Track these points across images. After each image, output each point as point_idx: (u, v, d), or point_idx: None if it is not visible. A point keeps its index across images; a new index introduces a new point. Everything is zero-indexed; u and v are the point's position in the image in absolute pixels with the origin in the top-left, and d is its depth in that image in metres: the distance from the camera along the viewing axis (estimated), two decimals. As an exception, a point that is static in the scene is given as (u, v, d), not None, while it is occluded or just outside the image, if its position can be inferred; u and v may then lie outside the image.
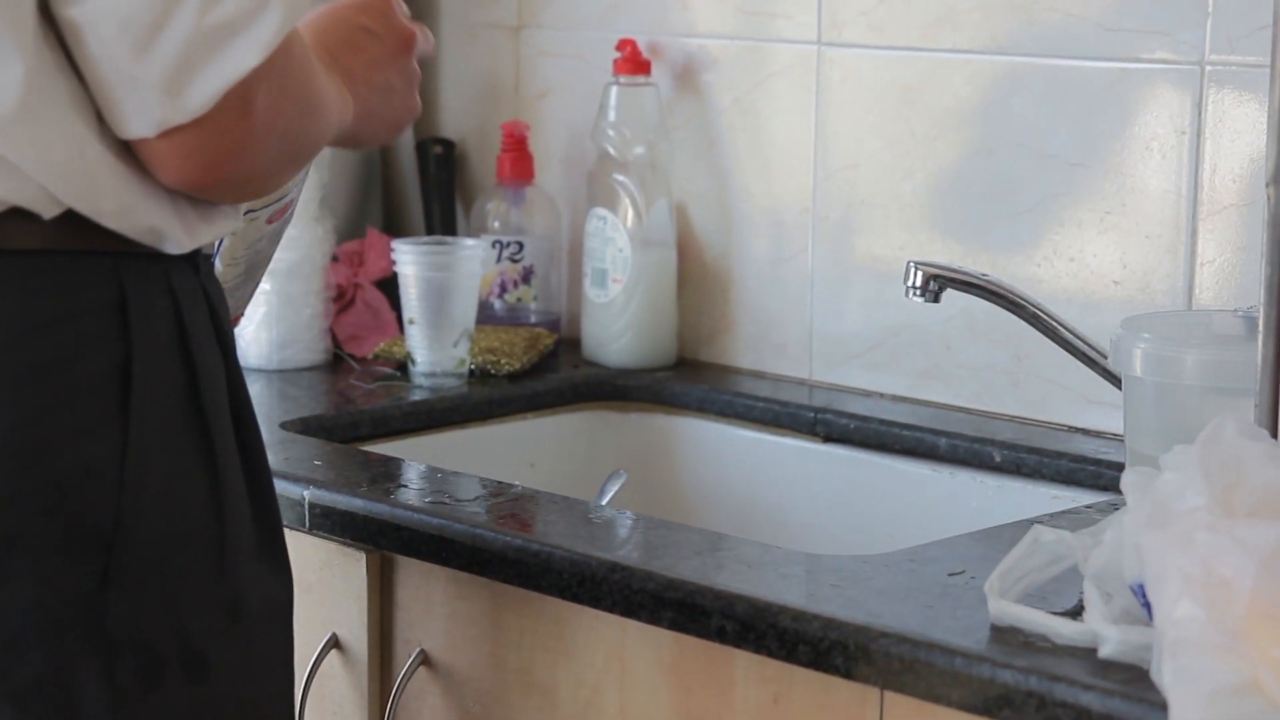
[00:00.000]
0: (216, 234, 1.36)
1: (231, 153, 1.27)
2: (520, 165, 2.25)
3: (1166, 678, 1.18)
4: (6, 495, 1.26)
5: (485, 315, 2.20)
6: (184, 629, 1.32)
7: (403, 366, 2.12)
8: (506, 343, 2.14)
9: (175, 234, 1.31)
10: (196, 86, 1.23)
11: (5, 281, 1.27)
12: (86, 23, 1.23)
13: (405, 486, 1.69)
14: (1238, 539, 1.18)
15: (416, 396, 2.05)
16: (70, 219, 1.27)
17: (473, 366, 2.11)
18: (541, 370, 2.16)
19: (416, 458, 1.85)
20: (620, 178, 2.15)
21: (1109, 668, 1.26)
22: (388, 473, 1.73)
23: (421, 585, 1.62)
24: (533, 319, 2.25)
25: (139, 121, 1.25)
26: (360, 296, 2.25)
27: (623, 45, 2.16)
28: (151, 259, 1.31)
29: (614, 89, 2.16)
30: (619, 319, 2.17)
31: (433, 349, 2.08)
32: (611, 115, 2.16)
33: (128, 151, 1.27)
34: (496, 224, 2.26)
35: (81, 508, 1.28)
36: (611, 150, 2.15)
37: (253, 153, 1.28)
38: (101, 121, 1.26)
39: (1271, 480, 1.23)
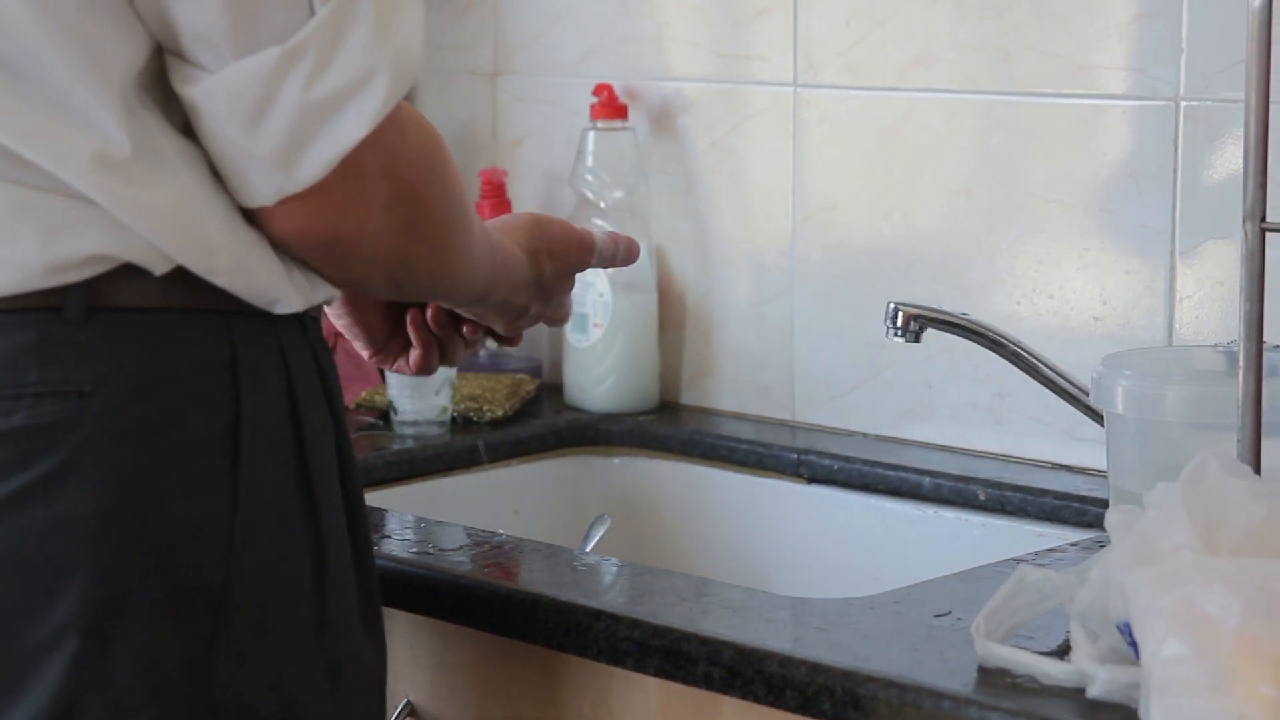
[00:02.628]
0: (326, 296, 1.36)
1: (340, 214, 1.28)
2: (499, 212, 2.25)
3: (1154, 717, 1.18)
4: (118, 553, 1.26)
5: (467, 362, 2.19)
6: (287, 694, 1.31)
7: (385, 415, 2.12)
8: (488, 389, 2.14)
9: (287, 294, 1.31)
10: (309, 158, 1.25)
11: (117, 339, 1.27)
12: (201, 101, 1.25)
13: (389, 537, 1.69)
14: (1223, 577, 1.18)
15: (399, 445, 2.04)
16: (182, 277, 1.28)
17: (455, 414, 2.11)
18: (524, 416, 2.15)
19: (400, 507, 1.84)
20: (599, 222, 2.15)
21: (1097, 708, 1.26)
22: (372, 523, 1.73)
23: (407, 636, 1.62)
24: (514, 365, 2.25)
25: (258, 192, 1.27)
26: (342, 345, 2.24)
27: (599, 90, 2.16)
28: (263, 319, 1.32)
29: (591, 134, 2.16)
30: (601, 363, 2.17)
31: (414, 397, 2.08)
32: (589, 160, 2.16)
33: (241, 212, 1.29)
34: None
35: (191, 568, 1.27)
36: (590, 195, 2.15)
37: (361, 216, 1.29)
38: (215, 180, 1.28)
39: (1255, 517, 1.23)
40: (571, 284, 1.60)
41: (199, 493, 1.28)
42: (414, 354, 1.55)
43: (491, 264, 1.47)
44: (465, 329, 1.56)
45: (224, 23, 1.24)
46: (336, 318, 1.55)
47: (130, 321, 1.28)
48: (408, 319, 1.54)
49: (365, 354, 1.57)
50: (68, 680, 1.25)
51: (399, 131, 1.29)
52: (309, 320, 1.36)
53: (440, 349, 1.56)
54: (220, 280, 1.28)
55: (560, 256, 1.56)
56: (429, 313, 1.53)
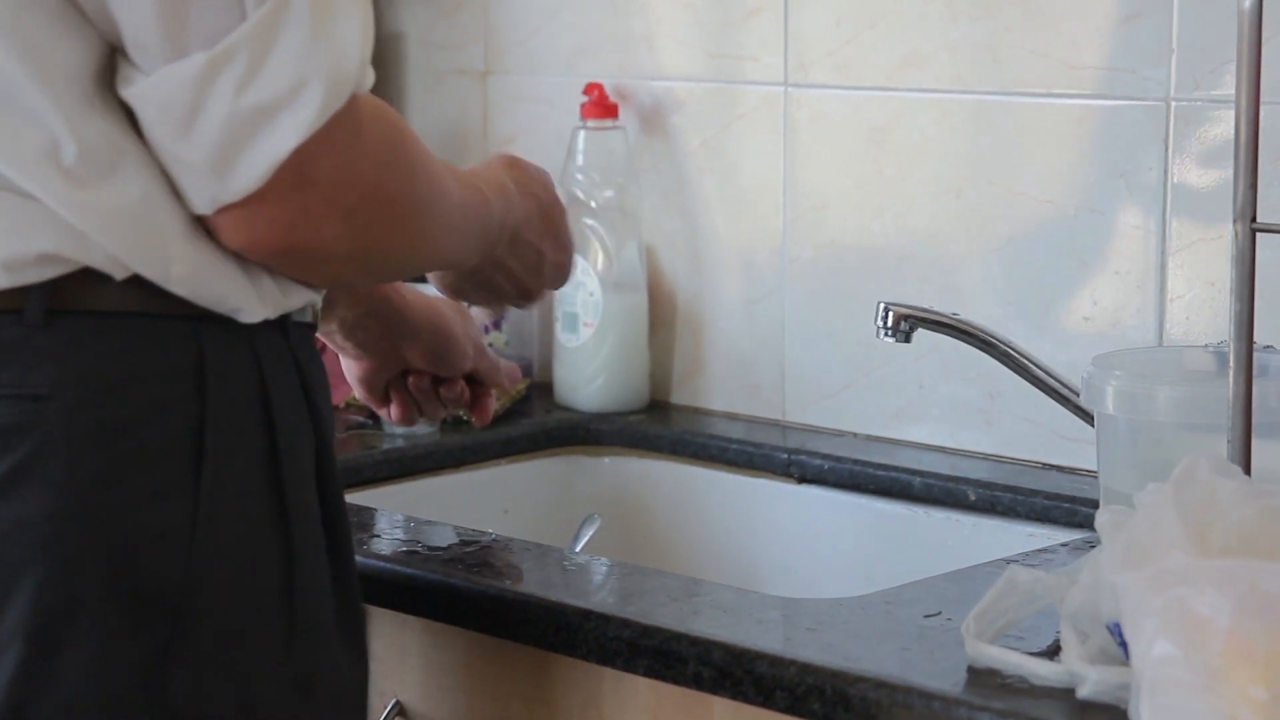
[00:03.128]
0: (303, 302, 1.34)
1: (290, 225, 1.26)
2: (490, 210, 2.25)
3: (1145, 718, 1.18)
4: (73, 557, 1.24)
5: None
6: (249, 704, 1.29)
7: (375, 415, 2.12)
8: (479, 388, 2.14)
9: (250, 303, 1.30)
10: (242, 166, 1.23)
11: (78, 343, 1.26)
12: (135, 104, 1.24)
13: (378, 536, 1.69)
14: (1213, 577, 1.17)
15: (389, 445, 2.04)
16: (146, 282, 1.27)
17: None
18: (514, 416, 2.15)
19: (390, 506, 1.84)
20: (590, 222, 2.14)
21: (1087, 708, 1.26)
22: (361, 523, 1.73)
23: (396, 636, 1.62)
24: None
25: (196, 199, 1.26)
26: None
27: (590, 89, 2.16)
28: (235, 325, 1.30)
29: (582, 133, 2.16)
30: (591, 363, 2.16)
31: (404, 396, 2.08)
32: (580, 159, 2.16)
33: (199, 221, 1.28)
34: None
35: (149, 575, 1.26)
36: (580, 194, 2.15)
37: (316, 225, 1.27)
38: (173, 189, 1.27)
39: (1246, 518, 1.23)
40: (566, 221, 1.60)
41: (160, 498, 1.26)
42: (394, 408, 1.71)
43: (483, 219, 1.46)
44: (443, 389, 1.68)
45: (155, 25, 1.22)
46: (341, 354, 1.67)
47: (91, 325, 1.26)
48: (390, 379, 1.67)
49: (359, 395, 1.71)
50: (13, 685, 1.24)
51: (354, 133, 1.26)
52: (292, 326, 1.35)
53: (419, 407, 1.70)
54: (178, 289, 1.27)
55: (546, 185, 1.57)
56: (409, 378, 1.67)
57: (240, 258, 1.29)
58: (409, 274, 1.49)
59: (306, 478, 1.34)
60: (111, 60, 1.26)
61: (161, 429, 1.27)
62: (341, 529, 1.38)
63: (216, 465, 1.28)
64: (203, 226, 1.27)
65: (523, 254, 1.55)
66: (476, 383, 1.72)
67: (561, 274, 1.61)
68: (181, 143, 1.23)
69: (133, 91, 1.24)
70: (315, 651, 1.33)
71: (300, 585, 1.31)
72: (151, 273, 1.26)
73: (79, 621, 1.24)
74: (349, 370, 1.70)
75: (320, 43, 1.23)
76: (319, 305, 1.42)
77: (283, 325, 1.34)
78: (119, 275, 1.26)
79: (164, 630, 1.26)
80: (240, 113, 1.22)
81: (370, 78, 1.30)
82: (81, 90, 1.25)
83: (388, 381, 1.70)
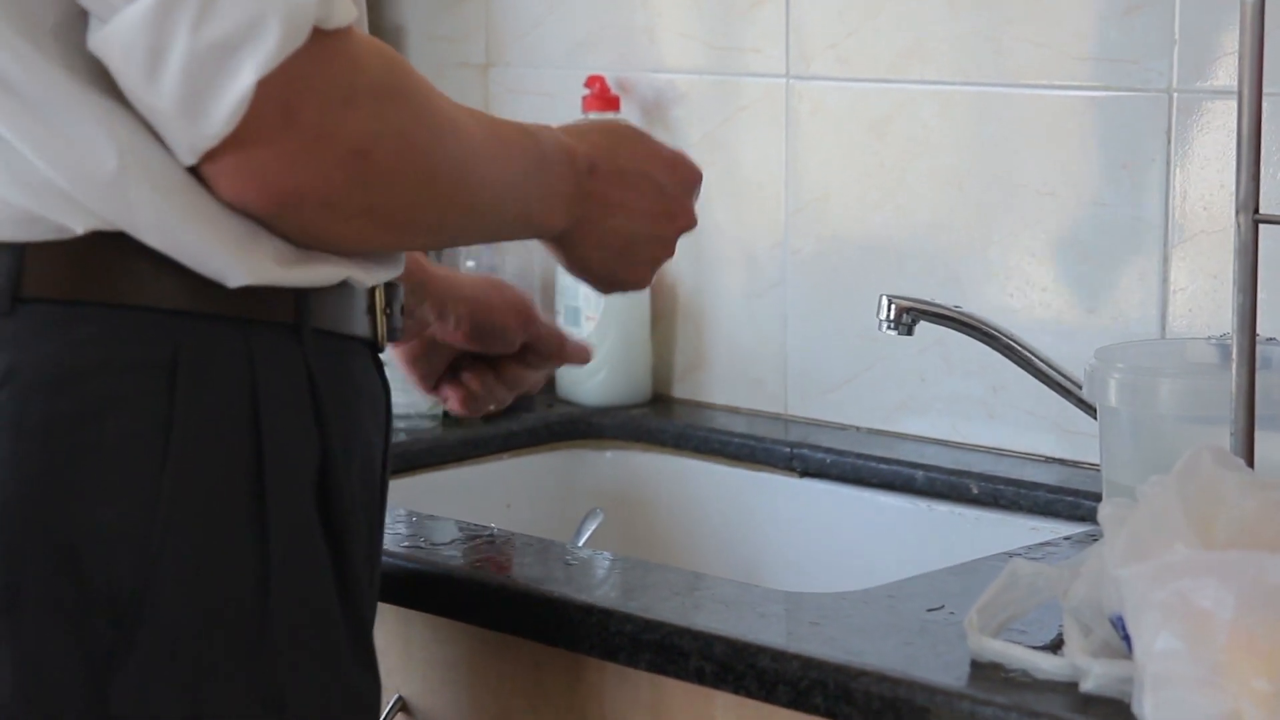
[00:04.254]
0: (299, 280, 1.26)
1: (282, 171, 1.20)
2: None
3: (1148, 711, 1.18)
4: (12, 550, 1.20)
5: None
6: (201, 717, 1.23)
7: (377, 409, 2.11)
8: (480, 383, 2.14)
9: (229, 266, 1.22)
10: (211, 108, 1.18)
11: (39, 331, 1.22)
12: (101, 54, 1.20)
13: (381, 531, 1.68)
14: (1216, 570, 1.17)
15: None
16: (122, 272, 1.22)
17: (447, 408, 2.10)
18: (516, 410, 2.15)
19: (392, 501, 1.82)
20: (591, 217, 2.14)
21: (1090, 702, 1.26)
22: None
23: (398, 631, 1.61)
24: (506, 358, 2.25)
25: (179, 150, 1.20)
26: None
27: (591, 82, 2.16)
28: (229, 324, 1.24)
29: (583, 126, 2.15)
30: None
31: (406, 390, 2.07)
32: (581, 152, 2.15)
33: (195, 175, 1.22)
34: (470, 263, 2.25)
35: (97, 573, 1.20)
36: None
37: (308, 166, 1.20)
38: (158, 140, 1.21)
39: (1248, 510, 1.22)
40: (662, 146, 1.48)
41: (113, 496, 1.21)
42: (451, 398, 1.65)
43: (531, 155, 1.36)
44: (499, 371, 1.63)
45: None
46: (399, 356, 1.61)
47: (59, 314, 1.22)
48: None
49: (412, 382, 1.65)
50: None
51: (349, 68, 1.21)
52: (309, 332, 1.28)
53: (479, 394, 1.64)
54: (147, 238, 1.21)
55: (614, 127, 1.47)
56: (463, 371, 1.62)
57: (240, 217, 1.22)
58: (451, 233, 1.38)
59: (299, 492, 1.27)
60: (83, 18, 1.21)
61: (120, 424, 1.21)
62: (350, 545, 1.30)
63: (183, 466, 1.22)
64: (191, 180, 1.22)
65: (634, 183, 1.44)
66: (538, 356, 1.63)
67: (692, 181, 1.49)
68: (150, 90, 1.18)
69: (95, 41, 1.19)
70: (296, 668, 1.26)
71: (277, 599, 1.25)
72: (112, 214, 1.21)
73: (16, 616, 1.20)
74: (396, 357, 1.62)
75: None
76: (392, 314, 1.36)
77: (297, 329, 1.27)
78: (80, 227, 1.21)
79: (109, 635, 1.20)
80: (199, 51, 1.17)
81: (352, 13, 1.22)
82: (60, 39, 1.20)
83: (441, 371, 1.63)
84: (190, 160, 1.21)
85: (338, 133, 1.21)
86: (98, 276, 1.23)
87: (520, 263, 2.26)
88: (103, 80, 1.21)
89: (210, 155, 1.20)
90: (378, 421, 1.36)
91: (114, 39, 1.18)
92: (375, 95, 1.23)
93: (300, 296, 1.28)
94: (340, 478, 1.29)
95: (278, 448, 1.25)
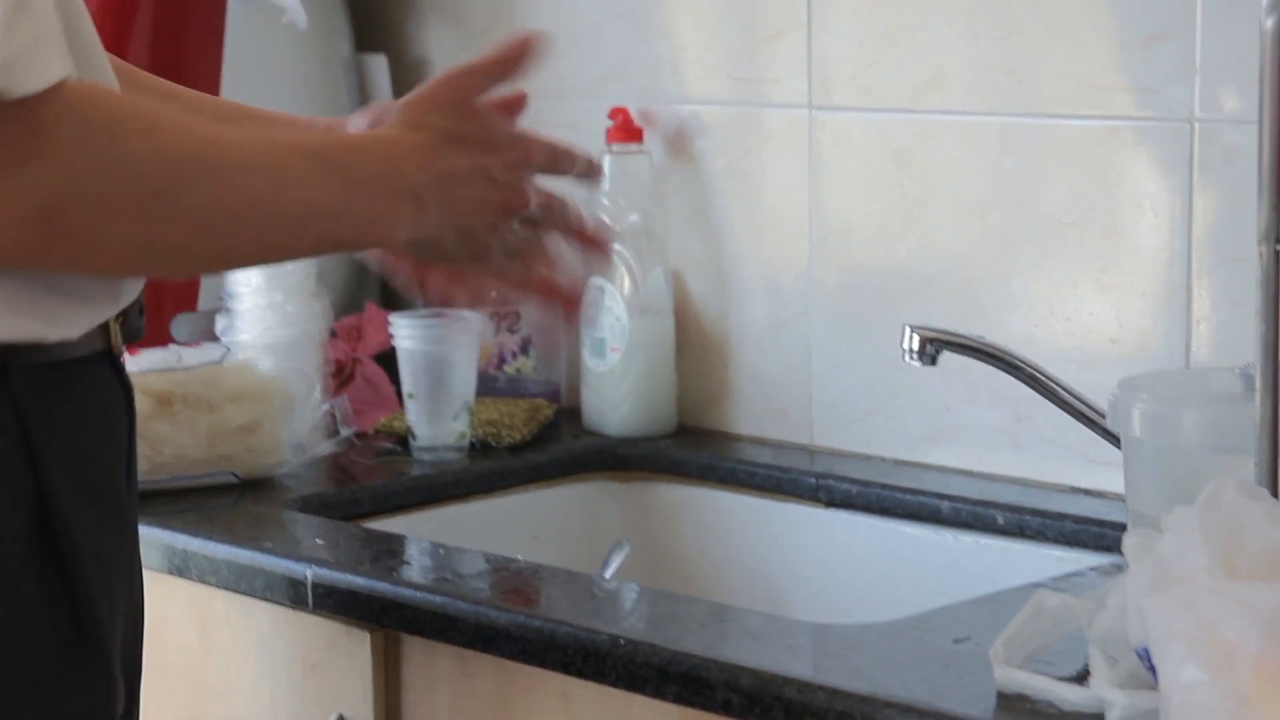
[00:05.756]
0: (13, 334, 1.24)
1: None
2: (515, 236, 2.25)
3: (1174, 743, 1.18)
4: None
5: (486, 386, 2.20)
6: None
7: (404, 441, 2.12)
8: (506, 414, 2.14)
9: None
10: None
11: None
12: None
13: (408, 564, 1.69)
14: (1240, 601, 1.17)
15: (417, 471, 2.04)
16: None
17: (473, 439, 2.11)
18: (542, 441, 2.15)
19: (419, 533, 1.84)
20: (616, 246, 2.15)
21: (1116, 733, 1.26)
22: (390, 550, 1.73)
23: (426, 663, 1.62)
24: (533, 389, 2.25)
25: None
26: (359, 371, 2.25)
27: (615, 114, 2.17)
28: None
29: (607, 157, 2.16)
30: (618, 387, 2.17)
31: (432, 423, 2.08)
32: (605, 184, 2.16)
33: None
34: (494, 294, 2.25)
35: None
36: (606, 218, 2.15)
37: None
38: None
39: (1273, 541, 1.23)
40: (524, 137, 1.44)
41: None
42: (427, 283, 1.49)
43: (323, 173, 1.31)
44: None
45: None
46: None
47: None
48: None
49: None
50: None
51: (33, 134, 1.18)
52: (17, 370, 1.25)
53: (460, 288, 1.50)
54: None
55: (446, 99, 1.41)
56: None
57: None
58: (228, 256, 1.35)
59: (13, 532, 1.25)
60: None
61: None
62: (85, 568, 1.27)
63: None
64: None
65: (466, 179, 1.39)
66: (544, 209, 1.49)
67: (537, 156, 1.44)
68: None
69: None
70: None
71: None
72: None
73: None
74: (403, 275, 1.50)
75: None
76: (128, 319, 1.34)
77: (2, 371, 1.24)
78: None
79: None
80: None
81: (59, 73, 1.19)
82: None
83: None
84: None
85: (20, 193, 1.19)
86: None
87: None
88: None
89: None
90: (115, 432, 1.34)
91: None
92: (64, 155, 1.20)
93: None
94: (66, 507, 1.27)
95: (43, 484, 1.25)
